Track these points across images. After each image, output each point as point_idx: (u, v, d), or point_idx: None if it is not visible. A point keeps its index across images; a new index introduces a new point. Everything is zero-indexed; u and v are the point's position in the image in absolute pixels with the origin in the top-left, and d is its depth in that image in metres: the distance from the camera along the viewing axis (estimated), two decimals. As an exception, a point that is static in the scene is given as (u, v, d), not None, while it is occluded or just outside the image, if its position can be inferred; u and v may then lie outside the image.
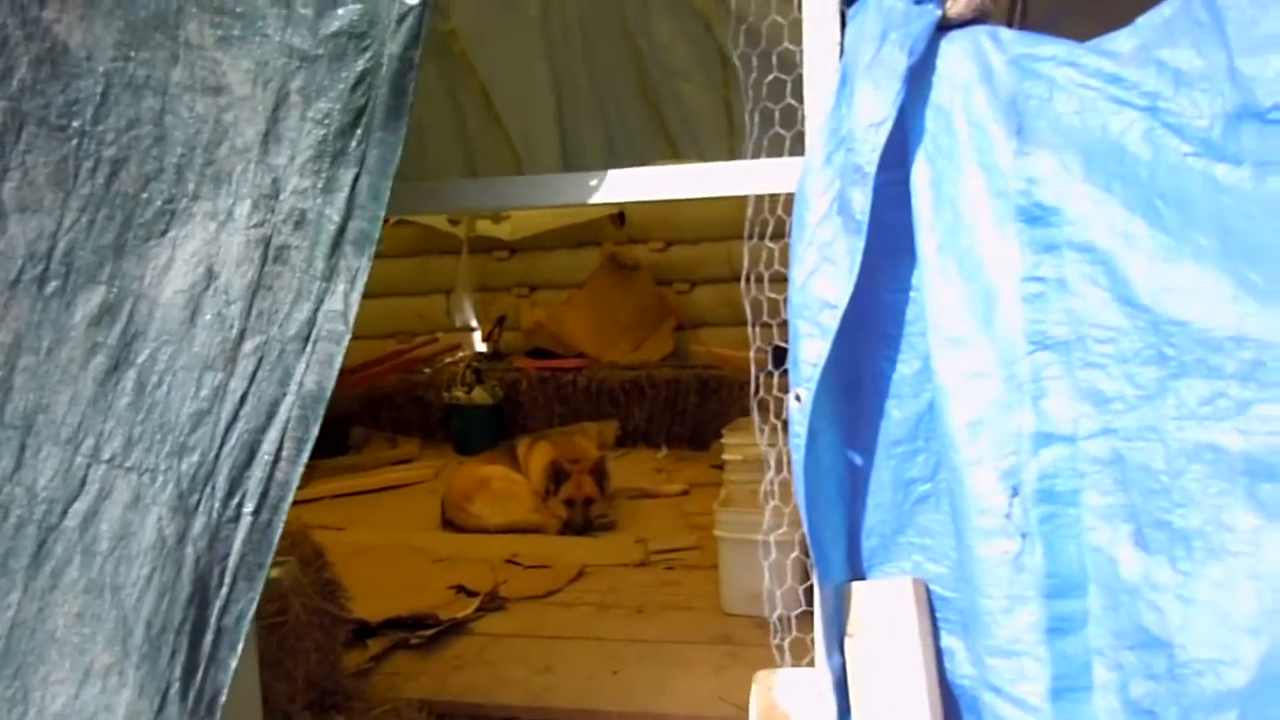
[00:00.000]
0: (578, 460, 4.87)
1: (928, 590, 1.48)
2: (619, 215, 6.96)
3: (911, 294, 1.40)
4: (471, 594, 3.70)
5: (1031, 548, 1.24)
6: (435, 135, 6.50)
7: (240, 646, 1.52)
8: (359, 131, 1.47)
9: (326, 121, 1.44)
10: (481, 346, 7.01)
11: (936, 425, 1.39)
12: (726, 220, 6.63)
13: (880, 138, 1.29)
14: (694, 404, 6.17)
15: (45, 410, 1.43)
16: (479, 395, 6.29)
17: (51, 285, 1.42)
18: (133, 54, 1.40)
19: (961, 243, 1.31)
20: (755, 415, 1.85)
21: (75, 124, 1.40)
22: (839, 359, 1.40)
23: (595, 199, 1.59)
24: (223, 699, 1.49)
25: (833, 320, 1.33)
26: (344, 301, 1.50)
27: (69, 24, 1.39)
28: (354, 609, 3.10)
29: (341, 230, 1.48)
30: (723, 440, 3.96)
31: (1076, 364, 1.24)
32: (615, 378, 6.36)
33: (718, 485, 5.19)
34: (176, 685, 1.45)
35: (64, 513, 1.43)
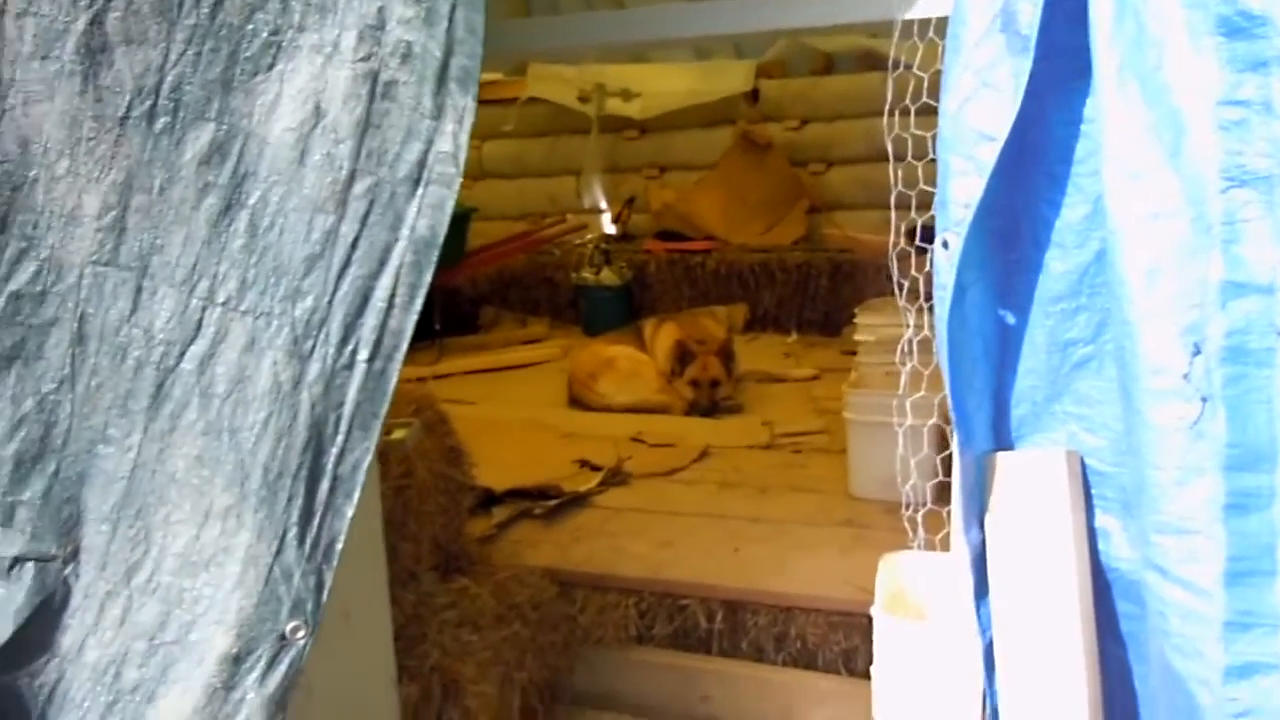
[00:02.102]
0: (704, 341, 4.79)
1: (1083, 464, 1.34)
2: (753, 92, 6.69)
3: (1083, 127, 1.23)
4: (595, 468, 3.70)
5: (1213, 413, 1.08)
6: None
7: (356, 495, 1.50)
8: None
9: None
10: (610, 228, 6.93)
11: (1106, 276, 1.23)
12: (865, 95, 6.31)
13: (1054, -60, 1.10)
14: (825, 288, 5.97)
15: (160, 251, 1.41)
16: (607, 276, 6.24)
17: (161, 121, 1.38)
18: None
19: (1147, 61, 1.12)
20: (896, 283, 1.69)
21: (177, -52, 1.33)
22: (994, 202, 1.24)
23: (716, 29, 1.44)
24: (339, 546, 1.48)
25: (990, 155, 1.17)
26: (453, 142, 1.42)
27: None
28: (479, 478, 3.13)
29: (445, 66, 1.39)
30: (855, 320, 3.79)
31: (1281, 202, 1.06)
32: (745, 260, 6.20)
33: (847, 371, 5.05)
34: (294, 530, 1.45)
35: (181, 355, 1.42)
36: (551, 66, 6.90)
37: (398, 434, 2.34)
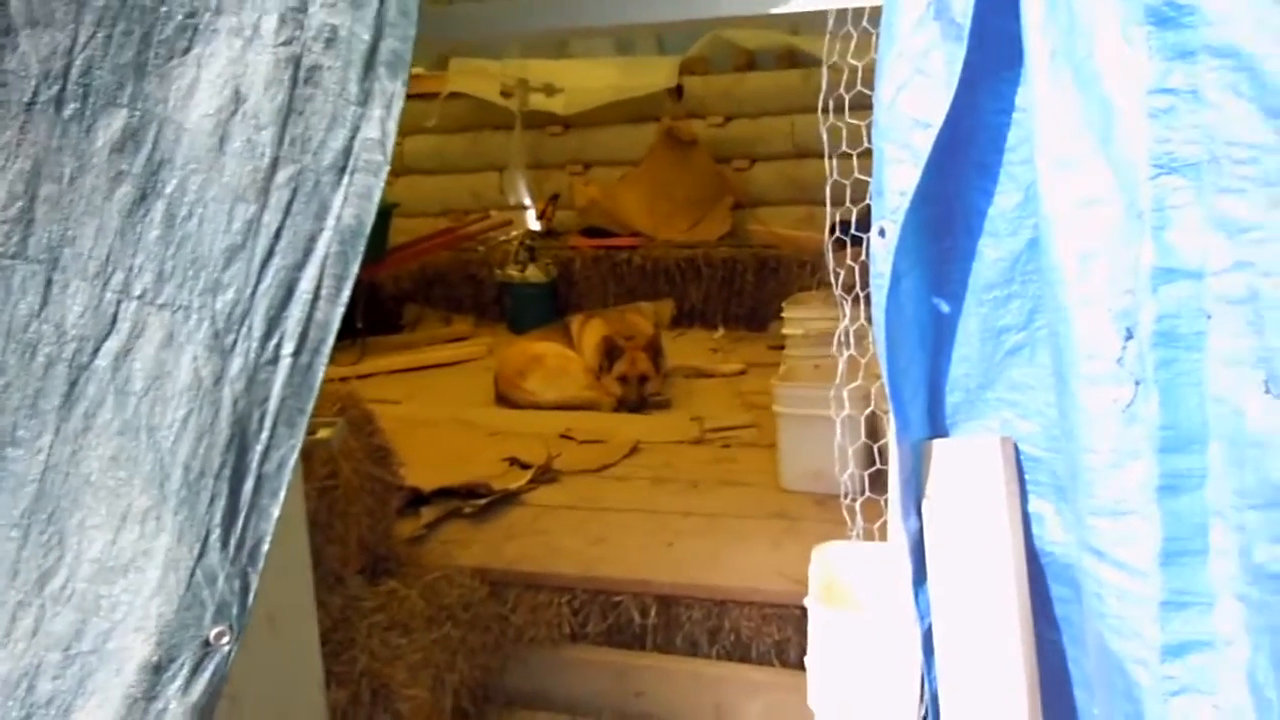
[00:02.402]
0: (632, 337, 4.78)
1: (1016, 450, 1.35)
2: (677, 89, 6.70)
3: (1015, 115, 1.24)
4: (525, 466, 3.66)
5: (1146, 397, 1.10)
6: None
7: (282, 494, 1.45)
8: None
9: None
10: (535, 224, 6.87)
11: (1038, 263, 1.25)
12: (790, 92, 6.37)
13: (988, -75, 1.11)
14: (751, 284, 6.01)
15: (71, 243, 1.34)
16: (532, 273, 6.20)
17: (70, 108, 1.32)
18: None
19: (1078, 50, 1.13)
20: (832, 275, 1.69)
21: (85, -77, 1.27)
22: (928, 190, 1.25)
23: (646, 16, 1.43)
24: (265, 547, 1.43)
25: (925, 142, 1.18)
26: (381, 129, 1.38)
27: None
28: (407, 478, 3.07)
29: (373, 50, 1.35)
30: (783, 314, 3.82)
31: (1209, 188, 1.08)
32: (671, 256, 6.21)
33: (775, 365, 5.07)
34: (217, 532, 1.39)
35: (95, 351, 1.36)
36: (474, 61, 6.83)
37: (323, 433, 2.28)
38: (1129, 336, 1.11)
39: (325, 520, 2.50)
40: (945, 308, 1.34)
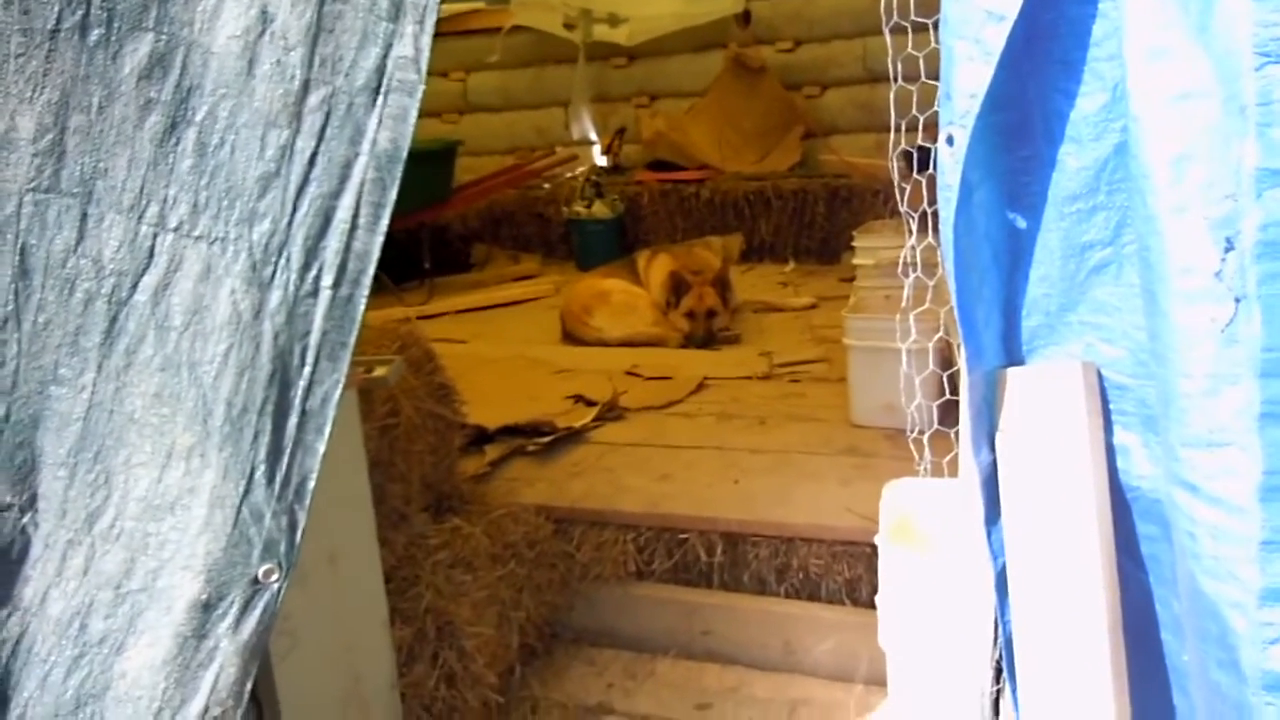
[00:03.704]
0: (699, 271, 4.68)
1: (1100, 377, 1.25)
2: (744, 14, 6.49)
3: (1101, 5, 1.11)
4: (590, 403, 3.62)
5: (1247, 315, 0.98)
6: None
7: (328, 430, 1.41)
8: None
9: None
10: (601, 160, 6.77)
11: (1127, 171, 1.13)
12: (862, 12, 6.09)
13: None
14: (822, 215, 5.85)
15: (104, 175, 1.31)
16: (599, 209, 6.12)
17: (95, 33, 1.27)
18: None
19: (1174, -72, 1.01)
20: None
21: None
22: (1002, 93, 1.13)
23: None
24: (312, 484, 1.40)
25: (999, 36, 1.06)
26: (414, 46, 1.31)
27: None
28: (471, 416, 3.05)
29: (407, -46, 1.28)
30: (853, 244, 3.69)
31: (1326, 77, 0.95)
32: (740, 189, 6.07)
33: (847, 299, 4.95)
34: (262, 469, 1.36)
35: (134, 286, 1.33)
36: (536, -7, 6.70)
37: (379, 371, 2.24)
38: (1229, 248, 0.99)
39: (387, 458, 2.49)
40: (1022, 223, 1.23)
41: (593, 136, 6.92)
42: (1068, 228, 1.21)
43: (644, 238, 6.23)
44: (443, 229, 6.32)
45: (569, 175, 6.53)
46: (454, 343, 4.76)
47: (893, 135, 1.40)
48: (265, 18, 1.28)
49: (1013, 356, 1.30)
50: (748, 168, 6.31)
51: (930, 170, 1.21)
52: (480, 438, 3.25)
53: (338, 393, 1.44)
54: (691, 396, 3.76)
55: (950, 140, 1.11)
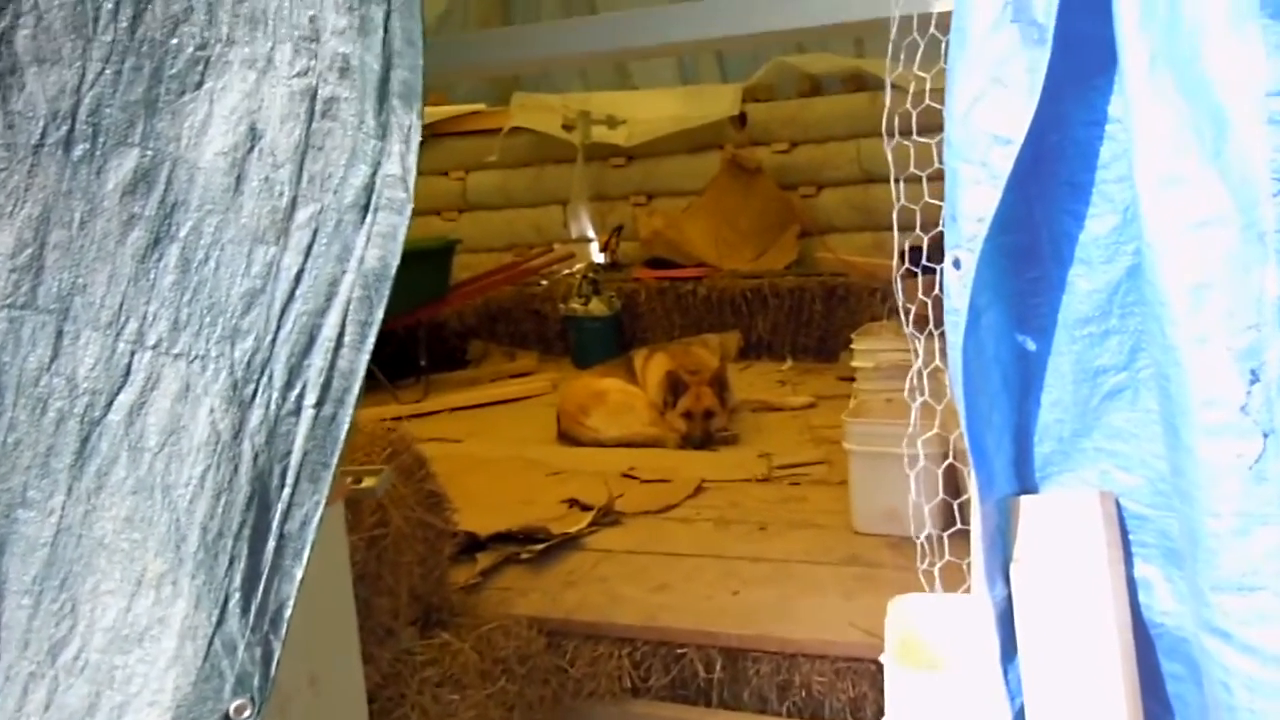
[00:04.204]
0: (696, 371, 4.64)
1: (1118, 506, 1.19)
2: (740, 116, 6.60)
3: (1108, 128, 1.09)
4: (585, 508, 3.54)
5: (1277, 451, 0.93)
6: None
7: (306, 554, 1.35)
8: None
9: None
10: (599, 257, 6.80)
11: (1140, 295, 1.09)
12: (856, 116, 6.21)
13: (1072, -89, 0.97)
14: (820, 313, 5.84)
15: (82, 291, 1.27)
16: (596, 307, 6.11)
17: (79, 149, 1.25)
18: None
19: (1182, 51, 0.98)
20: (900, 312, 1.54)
21: (91, -45, 1.20)
22: (1010, 216, 1.10)
23: (703, 33, 1.31)
24: (288, 612, 1.33)
25: (1005, 160, 1.03)
26: (401, 165, 1.28)
27: None
28: (462, 522, 2.96)
29: (385, 80, 1.26)
30: (852, 346, 3.66)
31: (1346, 205, 0.92)
32: (737, 287, 6.07)
33: (845, 398, 4.87)
34: (236, 597, 1.29)
35: (108, 405, 1.28)
36: (535, 95, 6.82)
37: (368, 482, 2.18)
38: (1254, 380, 0.95)
39: (374, 571, 2.41)
40: (1031, 345, 1.19)
41: (590, 234, 6.96)
42: (1080, 351, 1.16)
43: (641, 335, 6.22)
44: (439, 325, 6.31)
45: (566, 272, 6.55)
46: (448, 442, 4.70)
47: (895, 243, 1.36)
48: (254, 134, 1.26)
49: (1025, 483, 1.24)
50: (744, 266, 6.33)
51: (930, 281, 1.18)
52: (472, 545, 3.16)
53: (318, 515, 1.38)
54: (689, 500, 3.68)
55: (957, 264, 1.07)
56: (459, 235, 6.59)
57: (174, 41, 1.23)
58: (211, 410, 1.28)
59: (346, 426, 1.38)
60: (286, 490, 1.34)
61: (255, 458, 1.31)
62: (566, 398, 4.84)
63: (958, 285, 1.08)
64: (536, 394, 5.69)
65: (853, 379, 5.08)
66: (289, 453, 1.34)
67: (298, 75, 1.23)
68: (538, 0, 6.89)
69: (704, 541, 3.26)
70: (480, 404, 5.57)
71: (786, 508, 3.52)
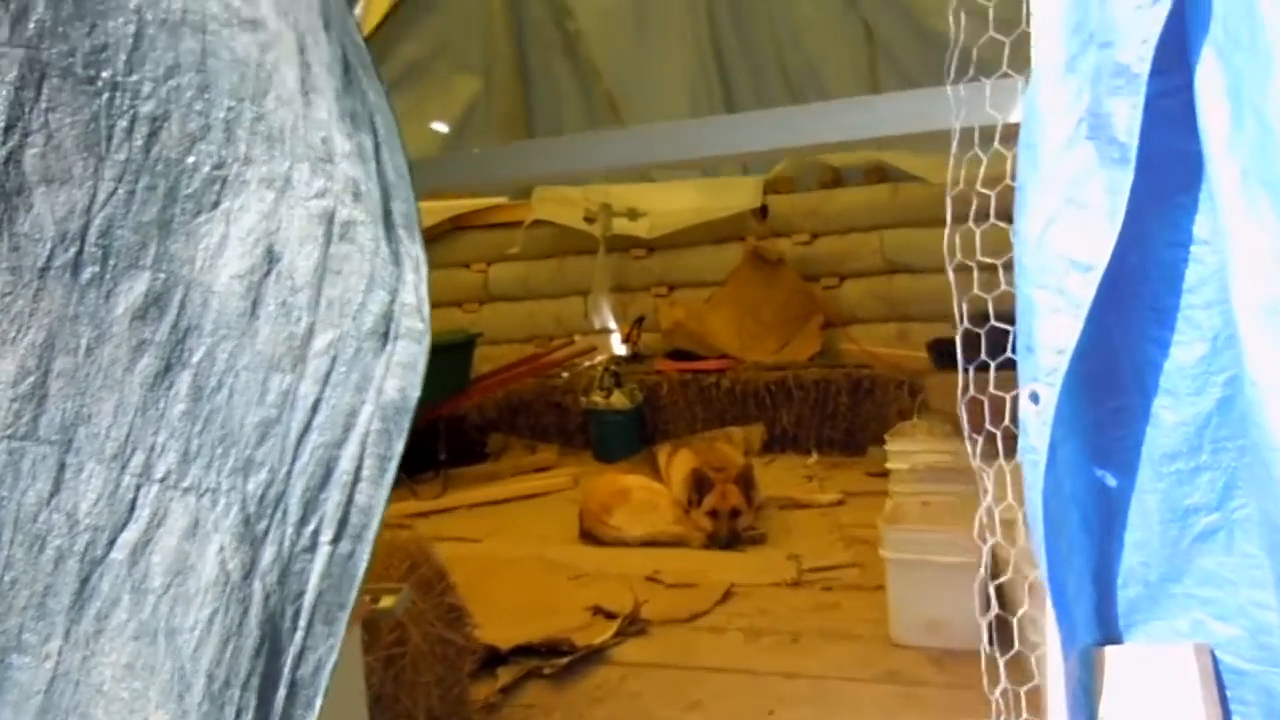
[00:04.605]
0: (722, 468, 4.52)
1: (1214, 659, 1.07)
2: (762, 208, 6.59)
3: (1194, 249, 1.01)
4: (610, 616, 3.40)
5: None
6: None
7: (319, 703, 1.25)
8: (356, 89, 1.19)
9: (334, 68, 1.16)
10: (620, 349, 6.74)
11: (1232, 429, 0.99)
12: (877, 207, 6.19)
13: (1154, 24, 0.90)
14: (845, 405, 5.73)
15: (86, 421, 1.19)
16: (618, 399, 6.03)
17: (88, 272, 1.18)
18: (166, -20, 1.15)
19: (1276, 168, 0.90)
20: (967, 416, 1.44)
21: (105, 74, 1.14)
22: (1087, 342, 1.01)
23: (749, 145, 1.24)
24: (298, 767, 1.22)
25: (1086, 288, 0.95)
26: (415, 294, 1.22)
27: (89, -54, 1.15)
28: (483, 633, 2.84)
29: (388, 210, 1.20)
30: (886, 447, 3.54)
31: None
32: (760, 379, 5.99)
33: (874, 494, 4.77)
34: (243, 752, 1.19)
35: (110, 543, 1.19)
36: (557, 188, 6.84)
37: (386, 602, 2.08)
38: (1381, 534, 0.84)
39: (390, 694, 2.29)
40: (1112, 481, 1.09)
41: (612, 325, 6.92)
42: (1166, 489, 1.06)
43: (663, 428, 6.12)
44: (460, 419, 6.23)
45: (588, 364, 6.49)
46: (468, 541, 4.58)
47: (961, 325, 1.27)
48: (271, 257, 1.19)
49: (1108, 631, 1.13)
50: (768, 357, 6.25)
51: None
52: (492, 658, 3.02)
53: (332, 659, 1.29)
54: (718, 607, 3.53)
55: (1035, 398, 0.98)
56: (480, 327, 6.56)
57: (190, 160, 1.17)
58: (221, 548, 1.19)
59: (365, 565, 1.29)
60: (299, 634, 1.25)
61: (266, 599, 1.21)
62: (589, 495, 4.72)
63: (1036, 422, 0.98)
64: (558, 489, 5.57)
65: (882, 474, 4.99)
66: (302, 593, 1.25)
67: (316, 196, 1.16)
68: (557, 95, 6.94)
69: (735, 654, 3.11)
70: (501, 500, 5.45)
71: (820, 616, 3.37)
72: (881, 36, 5.65)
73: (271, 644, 1.22)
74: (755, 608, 3.50)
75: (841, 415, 5.79)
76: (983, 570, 1.29)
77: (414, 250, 1.15)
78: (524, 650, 3.07)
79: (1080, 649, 1.10)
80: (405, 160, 1.15)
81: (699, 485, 4.40)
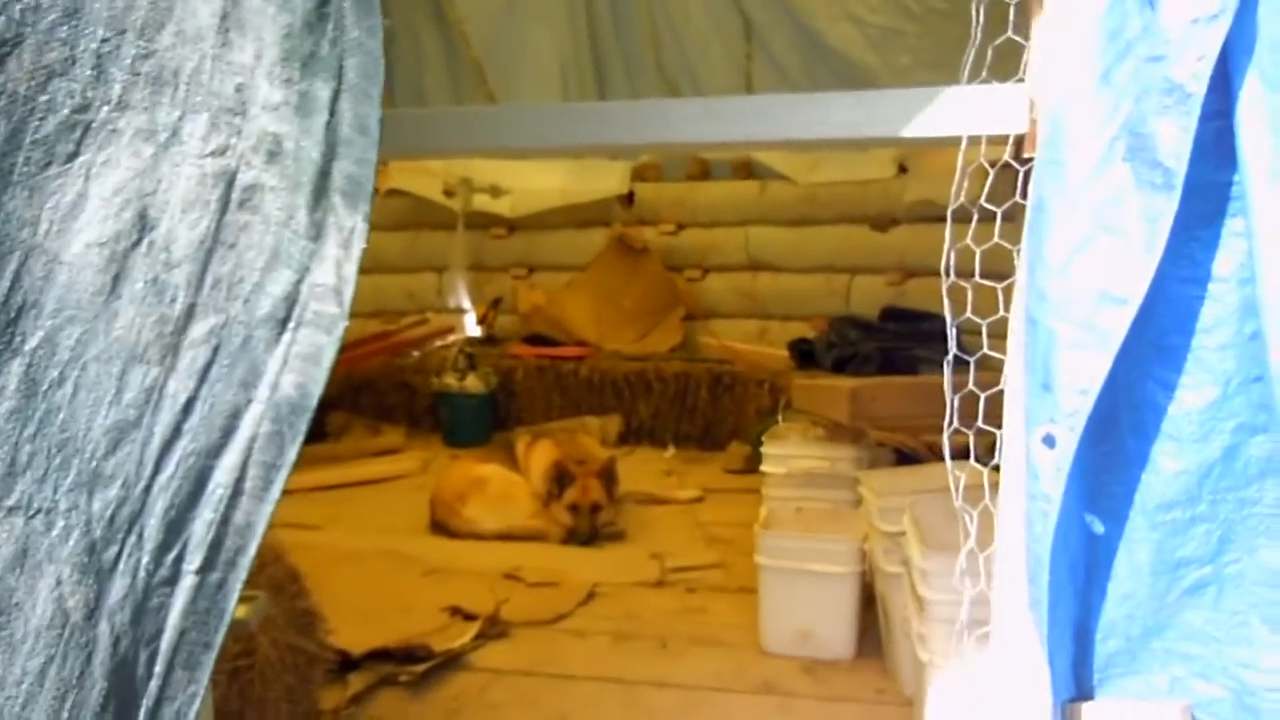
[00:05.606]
0: (584, 461, 4.38)
1: (1192, 722, 1.01)
2: (628, 195, 6.47)
3: (1211, 287, 0.93)
4: (469, 617, 3.21)
5: None
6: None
7: (174, 765, 1.05)
8: (329, 26, 0.99)
9: (291, 4, 0.96)
10: (475, 330, 6.49)
11: (1237, 482, 0.92)
12: (744, 202, 6.17)
13: (1213, 41, 0.81)
14: (705, 401, 5.68)
15: (-115, 420, 0.95)
16: (471, 383, 5.79)
17: (-105, 228, 0.94)
18: None
19: (1323, 206, 0.83)
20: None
21: (-67, -21, 0.90)
22: (1092, 379, 0.92)
23: (712, 136, 1.10)
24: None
25: (1118, 323, 0.86)
26: (336, 273, 1.02)
27: None
28: (334, 636, 2.60)
29: (325, 172, 1.00)
30: (762, 449, 3.48)
31: None
32: (619, 369, 5.87)
33: (733, 491, 4.73)
34: (77, 832, 0.97)
35: (-86, 576, 0.95)
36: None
37: (239, 611, 1.84)
38: None
39: (236, 710, 2.04)
40: (1100, 528, 1.00)
41: (467, 305, 6.66)
42: (1160, 540, 0.98)
43: (517, 414, 5.94)
44: (299, 396, 5.85)
45: (440, 344, 6.22)
46: (307, 529, 4.28)
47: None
48: (144, 223, 0.97)
49: (1083, 686, 1.05)
50: (627, 347, 6.14)
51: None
52: (343, 663, 2.79)
53: (194, 710, 1.09)
54: (581, 608, 3.39)
55: (1050, 441, 0.88)
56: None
57: (43, 98, 0.93)
58: (58, 582, 0.98)
59: (235, 598, 1.10)
60: (154, 682, 1.06)
61: (115, 643, 1.01)
62: (442, 483, 4.49)
63: (1050, 468, 0.88)
64: (405, 475, 5.31)
65: (742, 471, 4.96)
66: (160, 633, 1.06)
67: (213, 154, 0.95)
68: (420, 57, 6.61)
69: (602, 661, 2.98)
70: (342, 484, 5.14)
71: (687, 620, 3.28)
72: (760, 34, 5.59)
73: (120, 697, 1.02)
74: (620, 609, 3.38)
75: (701, 410, 5.74)
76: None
77: (350, 221, 0.96)
78: (377, 654, 2.85)
79: (1062, 703, 1.01)
80: (375, 112, 0.94)
81: (560, 478, 4.25)
